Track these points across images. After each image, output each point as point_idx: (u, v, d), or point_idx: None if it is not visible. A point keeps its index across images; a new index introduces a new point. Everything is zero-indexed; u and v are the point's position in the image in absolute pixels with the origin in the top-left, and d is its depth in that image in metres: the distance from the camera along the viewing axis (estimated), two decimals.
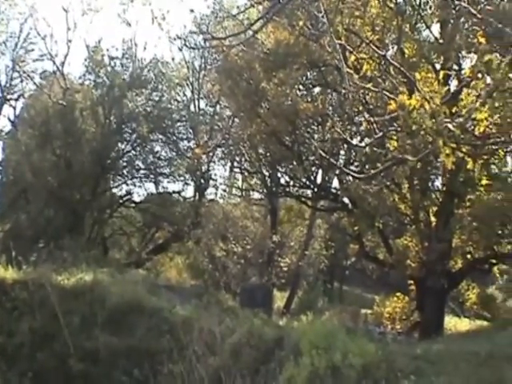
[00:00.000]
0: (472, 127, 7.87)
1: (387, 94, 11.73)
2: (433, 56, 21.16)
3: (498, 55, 7.35)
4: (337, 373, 9.83)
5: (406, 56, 21.37)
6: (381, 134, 13.03)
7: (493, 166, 25.92)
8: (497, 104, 7.24)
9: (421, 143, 7.97)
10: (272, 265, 30.10)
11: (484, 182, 22.78)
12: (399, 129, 8.89)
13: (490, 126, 7.53)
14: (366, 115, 20.81)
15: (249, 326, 12.51)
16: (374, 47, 13.12)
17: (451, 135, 7.49)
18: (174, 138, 33.79)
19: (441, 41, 21.67)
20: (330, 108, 25.35)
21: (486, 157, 18.73)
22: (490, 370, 11.68)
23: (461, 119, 7.58)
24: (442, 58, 21.10)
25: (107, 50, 33.61)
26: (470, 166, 9.36)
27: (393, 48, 22.89)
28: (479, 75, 7.23)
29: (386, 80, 18.75)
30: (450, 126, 7.46)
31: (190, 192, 35.80)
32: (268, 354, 11.10)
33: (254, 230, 31.11)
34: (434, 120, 7.35)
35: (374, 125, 13.71)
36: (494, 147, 8.72)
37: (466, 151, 8.52)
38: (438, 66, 21.97)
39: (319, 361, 9.89)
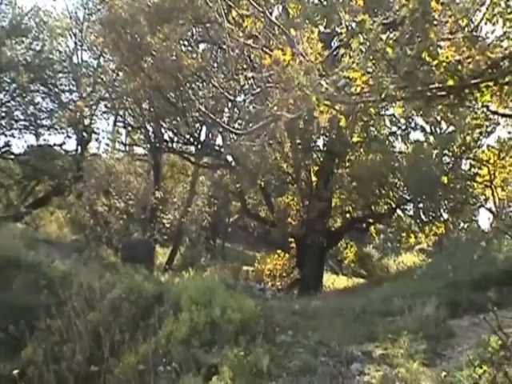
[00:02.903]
0: (346, 85, 8.09)
1: (267, 51, 11.78)
2: (316, 17, 21.53)
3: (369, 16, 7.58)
4: (215, 328, 10.01)
5: (291, 16, 21.62)
6: (258, 89, 13.14)
7: (372, 128, 26.88)
8: (369, 64, 7.46)
9: (296, 99, 8.12)
10: (155, 221, 30.01)
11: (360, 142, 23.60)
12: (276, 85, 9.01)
13: (364, 86, 7.77)
14: (250, 72, 20.93)
15: (129, 281, 12.45)
16: (255, 4, 13.06)
17: (325, 93, 7.70)
18: (56, 89, 32.66)
19: (324, 3, 22.08)
20: (215, 65, 25.30)
21: (358, 115, 19.23)
22: (364, 325, 12.28)
23: (334, 77, 7.78)
24: (325, 19, 21.50)
25: None
26: (342, 123, 9.59)
27: (278, 7, 23.10)
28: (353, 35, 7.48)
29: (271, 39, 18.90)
30: (323, 83, 7.66)
31: (71, 145, 34.92)
32: (148, 310, 11.13)
33: (137, 185, 30.79)
34: (308, 76, 7.52)
35: (255, 81, 13.80)
36: (365, 106, 8.97)
37: (340, 109, 8.75)
38: (321, 28, 22.37)
39: (198, 316, 10.03)
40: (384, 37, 7.54)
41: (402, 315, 11.99)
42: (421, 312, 11.62)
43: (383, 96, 7.45)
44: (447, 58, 7.42)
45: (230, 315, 10.20)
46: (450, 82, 7.48)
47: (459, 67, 7.34)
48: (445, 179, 23.23)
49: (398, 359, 9.00)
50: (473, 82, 7.63)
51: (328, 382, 8.64)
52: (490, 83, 7.73)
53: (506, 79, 7.51)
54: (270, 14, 22.95)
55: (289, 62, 7.68)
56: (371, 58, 7.43)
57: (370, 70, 7.52)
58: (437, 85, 7.63)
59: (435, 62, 7.34)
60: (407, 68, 7.27)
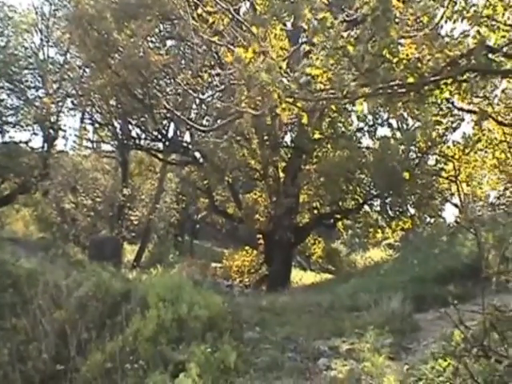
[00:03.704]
0: (308, 83, 8.13)
1: (232, 48, 11.80)
2: (284, 14, 21.53)
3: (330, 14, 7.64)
4: (183, 325, 9.99)
5: (258, 12, 21.61)
6: (223, 86, 13.18)
7: (339, 125, 27.04)
8: (331, 61, 7.51)
9: (259, 96, 8.14)
10: (122, 218, 29.91)
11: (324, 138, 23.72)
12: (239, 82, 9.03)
13: (326, 83, 7.82)
14: (218, 69, 20.95)
15: (96, 279, 12.35)
16: (218, 1, 13.07)
17: (288, 90, 7.73)
18: (22, 86, 32.27)
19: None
20: (183, 61, 25.24)
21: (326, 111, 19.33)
22: (331, 320, 12.38)
23: (296, 74, 7.82)
24: (293, 16, 21.52)
25: None
26: (304, 120, 9.64)
27: (245, 3, 23.10)
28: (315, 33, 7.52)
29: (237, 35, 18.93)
30: (284, 80, 7.69)
31: (38, 142, 34.52)
32: (115, 307, 11.05)
33: (104, 182, 30.67)
34: (270, 74, 7.54)
35: (221, 78, 13.83)
36: (327, 103, 9.03)
37: (302, 106, 8.79)
38: (289, 25, 22.45)
39: (165, 313, 10.01)
40: (345, 34, 7.61)
41: (369, 310, 12.15)
42: (387, 306, 11.77)
43: (345, 93, 7.51)
44: (407, 55, 7.52)
45: (198, 312, 10.19)
46: (411, 80, 7.57)
47: (419, 65, 7.43)
48: (406, 175, 23.44)
49: (365, 353, 9.11)
50: (432, 79, 7.74)
51: (295, 378, 8.69)
52: (449, 80, 7.85)
53: (465, 77, 7.63)
54: (238, 10, 22.98)
55: (250, 60, 7.70)
56: (333, 55, 7.49)
57: (332, 67, 7.57)
58: (397, 82, 7.72)
59: (396, 60, 7.43)
60: (368, 65, 7.34)
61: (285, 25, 21.77)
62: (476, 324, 6.67)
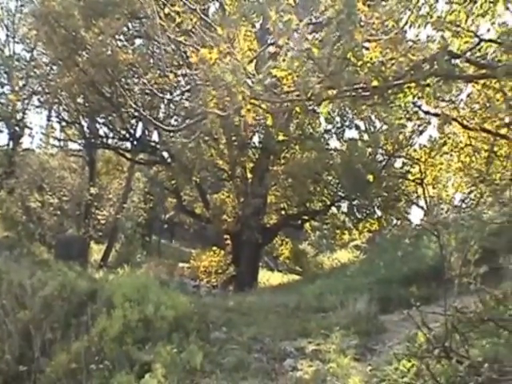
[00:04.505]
0: (274, 84, 8.17)
1: (199, 48, 11.79)
2: (253, 15, 21.59)
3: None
4: (149, 325, 9.98)
5: (227, 13, 21.63)
6: (189, 87, 13.16)
7: (307, 126, 27.16)
8: (296, 63, 7.55)
9: (224, 97, 8.16)
10: (89, 217, 29.72)
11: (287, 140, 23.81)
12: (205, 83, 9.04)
13: (291, 85, 7.87)
14: (187, 69, 20.90)
15: (62, 278, 12.26)
16: (186, 1, 13.05)
17: (254, 91, 7.76)
18: None
19: (261, 0, 22.14)
20: (151, 60, 25.14)
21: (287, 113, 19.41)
22: (297, 321, 12.44)
23: (261, 76, 7.85)
24: (261, 17, 21.60)
25: None
26: (269, 122, 9.69)
27: (214, 4, 23.12)
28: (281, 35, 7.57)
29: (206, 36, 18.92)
30: (249, 81, 7.72)
31: (3, 140, 34.16)
32: (81, 307, 10.97)
33: (71, 181, 30.46)
34: (234, 75, 7.56)
35: (188, 78, 13.81)
36: (292, 105, 9.06)
37: (267, 108, 8.82)
38: (258, 26, 22.53)
39: (132, 313, 9.98)
40: (310, 37, 7.66)
41: (335, 311, 12.24)
42: (353, 308, 11.87)
43: (309, 95, 7.56)
44: (371, 59, 7.60)
45: (164, 312, 10.19)
46: (375, 83, 7.65)
47: (383, 68, 7.52)
48: (371, 177, 23.63)
49: (330, 354, 9.15)
50: (396, 82, 7.84)
51: (261, 378, 8.72)
52: (412, 84, 7.96)
53: (428, 81, 7.72)
54: (207, 10, 22.97)
55: (215, 61, 7.71)
56: (298, 57, 7.53)
57: (297, 69, 7.61)
58: (362, 85, 7.80)
59: (360, 63, 7.51)
60: (333, 68, 7.40)
61: (254, 26, 21.84)
62: (439, 325, 6.77)
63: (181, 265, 31.45)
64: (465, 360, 5.98)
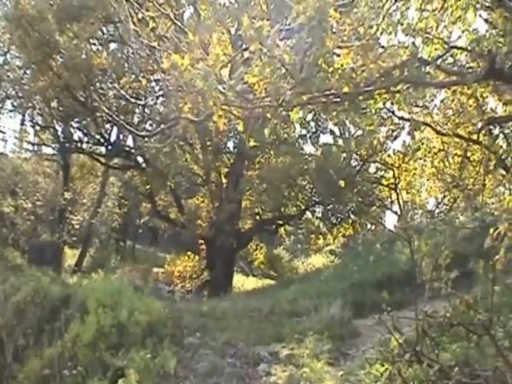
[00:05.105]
0: (245, 90, 8.21)
1: (173, 53, 11.83)
2: (227, 20, 21.68)
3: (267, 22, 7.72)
4: (122, 330, 9.94)
5: (202, 18, 21.68)
6: (161, 92, 13.17)
7: (282, 131, 27.23)
8: (268, 70, 7.58)
9: (196, 103, 8.17)
10: (63, 222, 29.50)
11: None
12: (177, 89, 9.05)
13: (262, 91, 7.91)
14: (161, 74, 20.89)
15: (35, 284, 12.18)
16: (157, 5, 13.06)
17: (226, 97, 7.79)
18: None
19: (235, 5, 22.24)
20: (126, 65, 25.08)
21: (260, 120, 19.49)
22: (271, 325, 12.45)
23: (232, 82, 7.88)
24: (236, 22, 21.69)
25: None
26: (240, 127, 9.76)
27: (189, 8, 23.14)
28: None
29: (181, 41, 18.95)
30: (220, 87, 7.75)
31: None
32: (54, 313, 10.92)
33: (45, 185, 30.24)
34: (206, 81, 7.58)
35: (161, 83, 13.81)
36: (263, 111, 9.10)
37: (238, 114, 8.86)
38: (233, 31, 22.59)
39: (105, 319, 9.94)
40: (281, 44, 7.72)
41: (309, 316, 12.25)
42: (327, 312, 11.90)
43: (280, 101, 7.61)
44: (342, 65, 7.67)
45: (138, 317, 10.17)
46: (345, 89, 7.72)
47: (353, 75, 7.60)
48: (342, 183, 23.79)
49: (304, 359, 9.19)
50: (366, 89, 7.92)
51: (235, 383, 8.74)
52: (383, 91, 8.05)
53: (398, 87, 7.82)
54: (182, 15, 22.96)
55: (187, 67, 7.72)
56: (269, 63, 7.57)
57: (269, 75, 7.65)
58: (333, 91, 7.87)
59: (331, 69, 7.58)
60: (304, 74, 7.45)
61: (229, 31, 21.91)
62: (411, 330, 6.83)
63: (155, 270, 31.28)
64: (435, 364, 6.04)
